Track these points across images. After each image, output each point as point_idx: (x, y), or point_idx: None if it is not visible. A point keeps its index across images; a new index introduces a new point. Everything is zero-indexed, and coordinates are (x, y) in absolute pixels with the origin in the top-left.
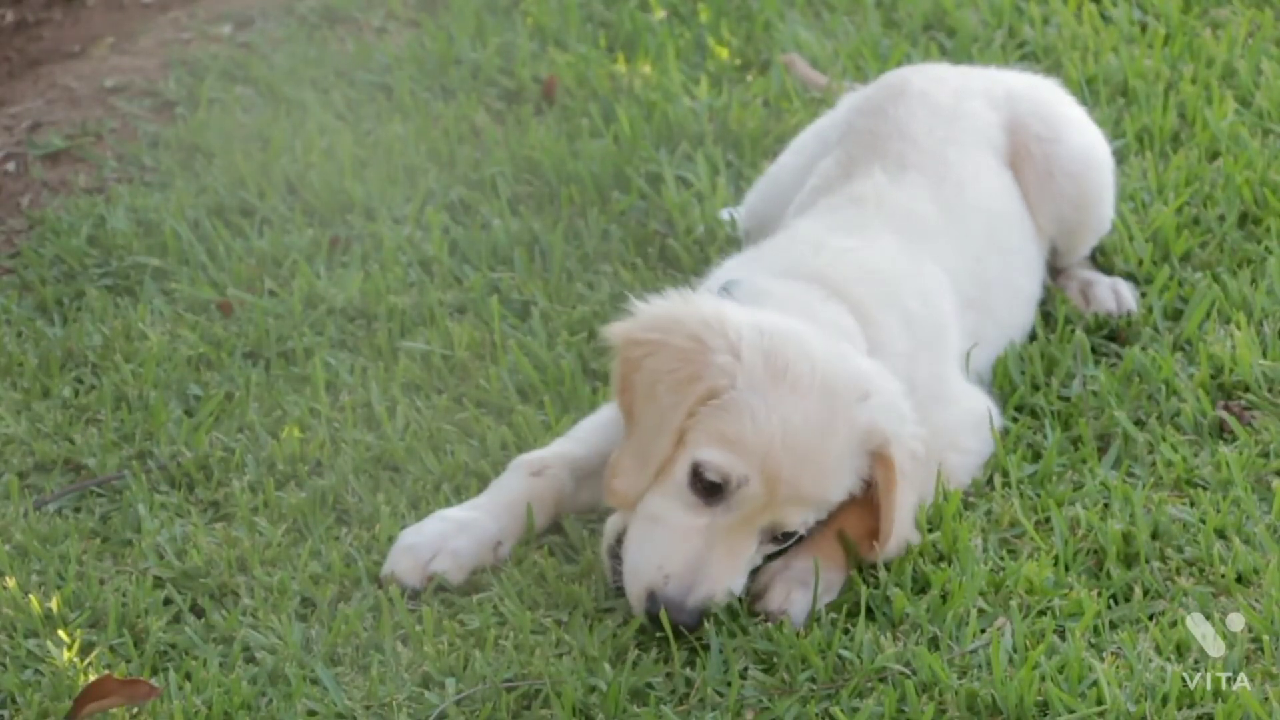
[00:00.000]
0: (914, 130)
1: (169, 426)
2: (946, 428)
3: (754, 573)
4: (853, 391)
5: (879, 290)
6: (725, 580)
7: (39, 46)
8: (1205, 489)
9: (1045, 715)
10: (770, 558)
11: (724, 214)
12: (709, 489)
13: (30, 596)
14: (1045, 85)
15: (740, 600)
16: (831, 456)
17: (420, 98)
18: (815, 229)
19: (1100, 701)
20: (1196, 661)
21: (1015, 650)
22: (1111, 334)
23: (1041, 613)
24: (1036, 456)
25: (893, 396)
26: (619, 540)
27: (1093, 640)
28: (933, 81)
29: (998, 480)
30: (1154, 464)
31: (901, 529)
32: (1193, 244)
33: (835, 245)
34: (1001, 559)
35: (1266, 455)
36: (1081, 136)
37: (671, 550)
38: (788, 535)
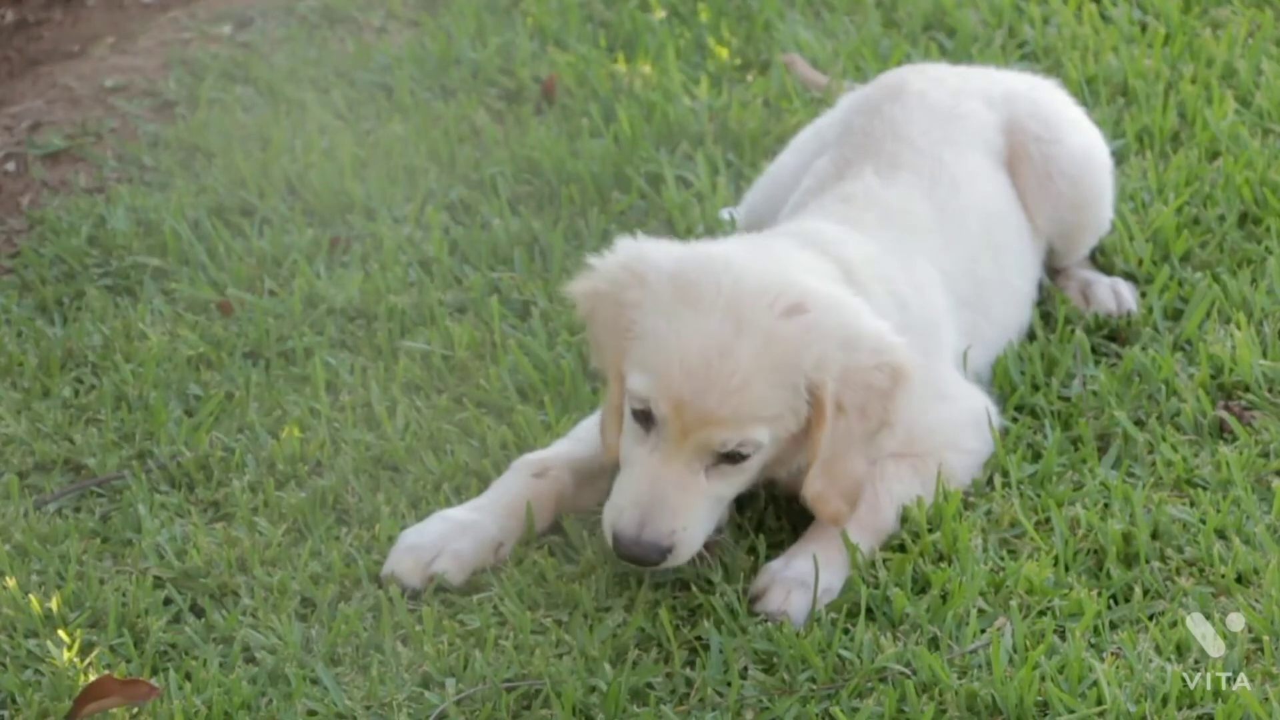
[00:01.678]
0: (909, 130)
1: (169, 426)
2: (944, 426)
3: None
4: (774, 306)
5: (870, 264)
6: (684, 514)
7: (39, 46)
8: (1205, 489)
9: (1045, 715)
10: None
11: (724, 214)
12: (644, 418)
13: (30, 596)
14: (1044, 86)
15: (740, 600)
16: (737, 378)
17: (420, 98)
18: (806, 225)
19: (1100, 701)
20: (1196, 661)
21: (1015, 650)
22: (1111, 334)
23: (1041, 613)
24: (1036, 456)
25: (839, 314)
26: None
27: (1093, 640)
28: (931, 82)
29: (998, 480)
30: (1154, 464)
31: (839, 476)
32: (1193, 244)
33: (827, 228)
34: (1001, 559)
35: (1266, 455)
36: (1080, 137)
37: (625, 487)
38: (734, 457)
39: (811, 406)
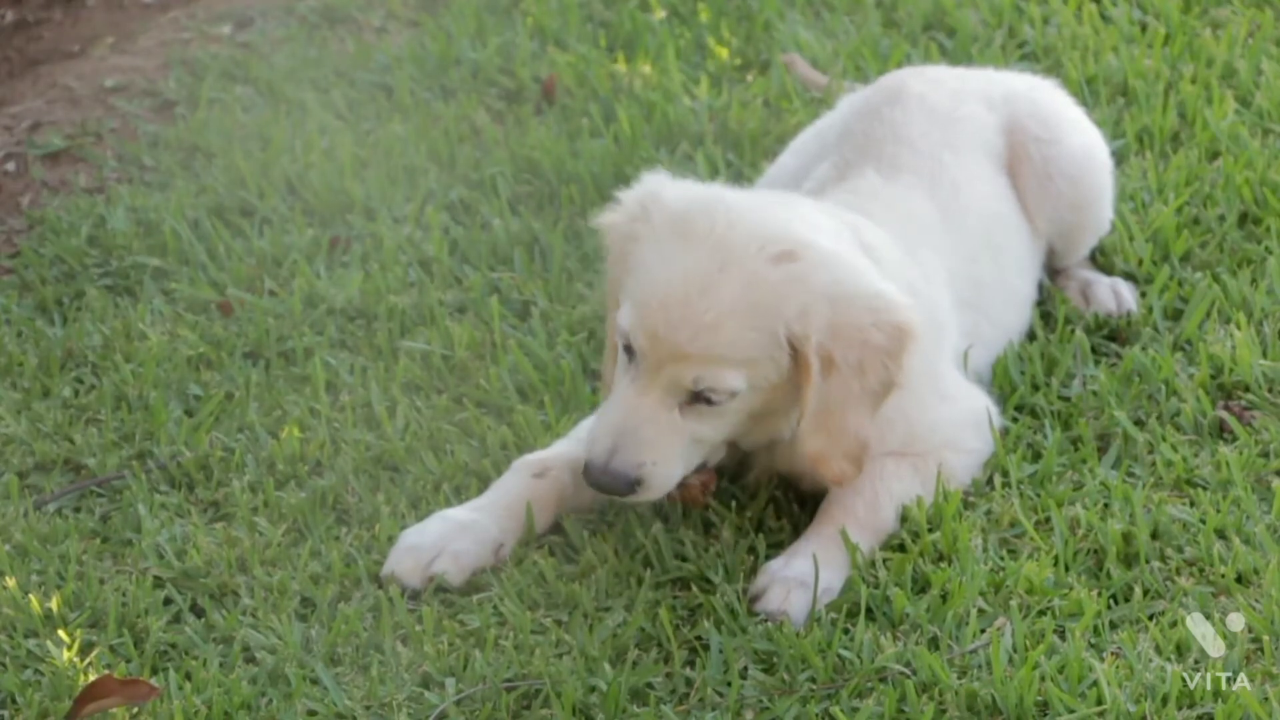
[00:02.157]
0: (910, 133)
1: (169, 426)
2: (944, 425)
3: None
4: (764, 250)
5: (886, 248)
6: (656, 449)
7: (39, 46)
8: (1205, 489)
9: (1045, 715)
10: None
11: None
12: (629, 351)
13: (30, 596)
14: (1044, 86)
15: (740, 600)
16: (709, 315)
17: (420, 98)
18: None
19: (1100, 701)
20: (1196, 661)
21: (1015, 650)
22: (1111, 334)
23: (1041, 613)
24: (1036, 456)
25: (833, 269)
26: None
27: (1093, 640)
28: (930, 84)
29: (998, 480)
30: (1154, 464)
31: (838, 433)
32: (1193, 244)
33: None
34: (1001, 559)
35: (1266, 455)
36: (1080, 137)
37: (602, 416)
38: (707, 398)
39: (796, 360)
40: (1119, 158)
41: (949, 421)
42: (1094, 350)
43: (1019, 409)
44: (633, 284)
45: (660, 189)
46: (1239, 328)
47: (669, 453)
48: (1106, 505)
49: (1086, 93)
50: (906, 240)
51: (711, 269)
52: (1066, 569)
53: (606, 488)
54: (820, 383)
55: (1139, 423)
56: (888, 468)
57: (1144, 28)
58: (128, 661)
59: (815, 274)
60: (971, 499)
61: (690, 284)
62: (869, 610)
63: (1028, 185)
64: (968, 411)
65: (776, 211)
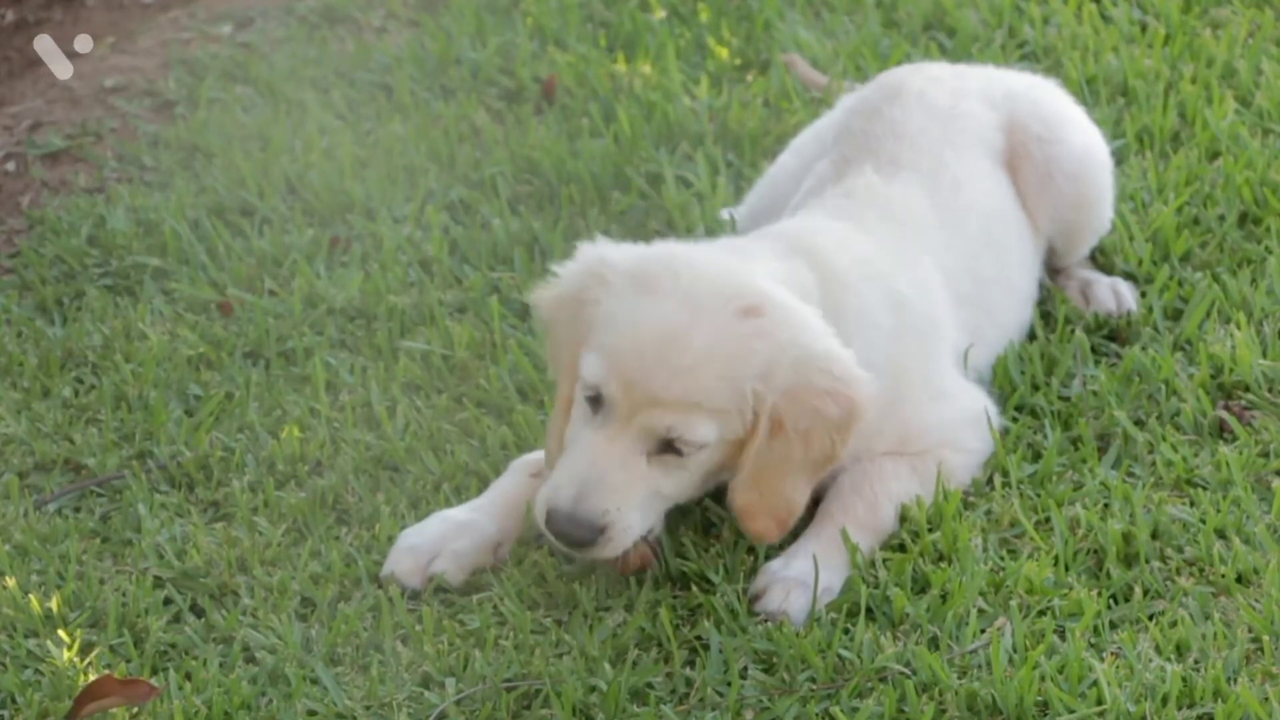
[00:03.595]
0: (909, 131)
1: (169, 426)
2: (942, 425)
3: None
4: (730, 302)
5: (862, 263)
6: (621, 495)
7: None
8: (1205, 489)
9: (1045, 715)
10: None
11: (724, 214)
12: (594, 402)
13: (30, 596)
14: (1044, 85)
15: (740, 600)
16: (686, 360)
17: (420, 98)
18: (797, 224)
19: (1100, 701)
20: (1196, 662)
21: (1015, 650)
22: (1111, 334)
23: (1041, 613)
24: (1036, 456)
25: (795, 329)
26: None
27: (1093, 640)
28: (930, 82)
29: (998, 480)
30: (1154, 464)
31: (770, 494)
32: (1193, 244)
33: (827, 225)
34: (1001, 559)
35: (1266, 455)
36: (1080, 136)
37: (564, 465)
38: (677, 446)
39: (754, 415)
40: (1119, 158)
41: (947, 420)
42: (1094, 350)
43: (1019, 409)
44: (599, 338)
45: (606, 254)
46: (1239, 328)
47: (634, 500)
48: (1106, 505)
49: (1086, 93)
50: (901, 244)
51: (683, 318)
52: (1066, 569)
53: (570, 535)
54: (764, 444)
55: (1139, 423)
56: (886, 468)
57: (1144, 28)
58: (128, 661)
59: (779, 331)
60: (971, 499)
61: (664, 331)
62: (869, 610)
63: (1029, 184)
64: (966, 410)
65: (735, 264)
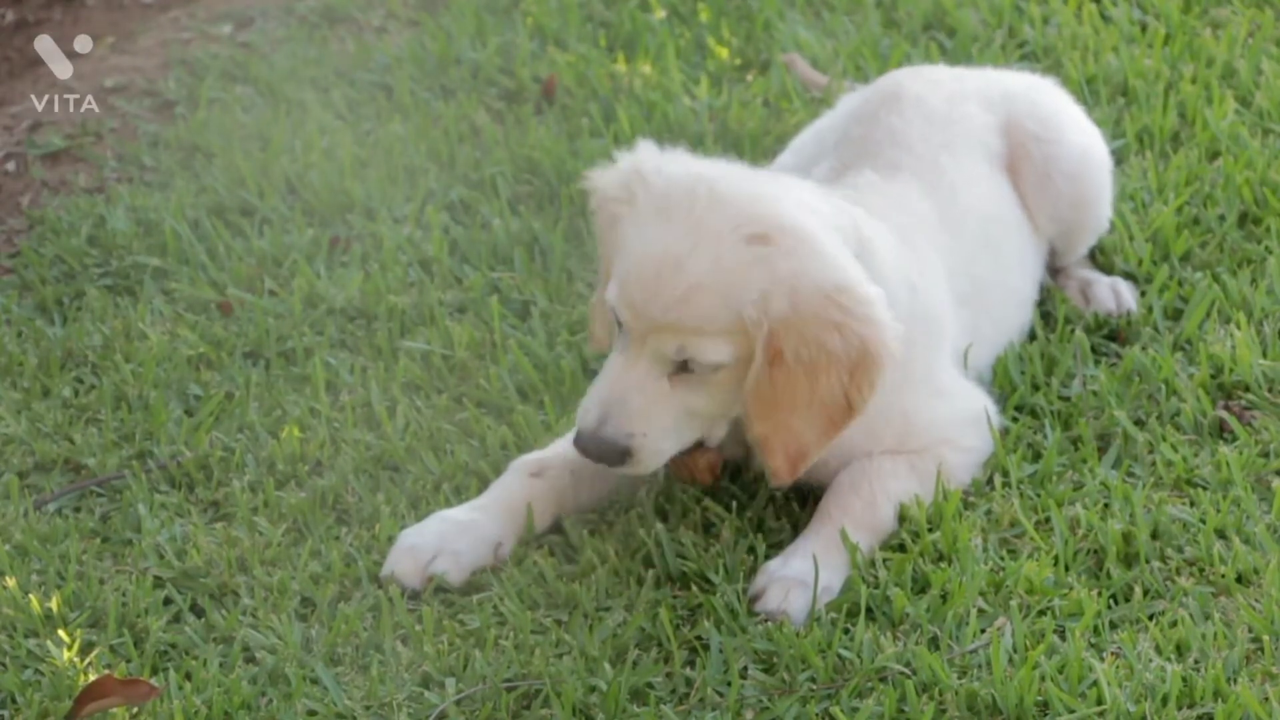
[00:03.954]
0: (908, 136)
1: (169, 426)
2: (941, 422)
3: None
4: (738, 228)
5: (886, 246)
6: (646, 420)
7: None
8: (1205, 489)
9: (1045, 715)
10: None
11: None
12: (617, 324)
13: (30, 596)
14: (1043, 85)
15: (740, 600)
16: (680, 288)
17: (420, 98)
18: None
19: (1100, 701)
20: (1196, 662)
21: (1015, 650)
22: (1111, 334)
23: (1041, 613)
24: (1036, 456)
25: (806, 259)
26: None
27: (1093, 640)
28: (927, 85)
29: (998, 480)
30: (1154, 464)
31: (781, 429)
32: (1193, 244)
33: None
34: (1001, 559)
35: (1266, 455)
36: (1079, 136)
37: (594, 387)
38: (691, 367)
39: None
40: (1119, 158)
41: (946, 419)
42: (1094, 350)
43: (1019, 409)
44: (617, 262)
45: (644, 169)
46: (1239, 328)
47: (659, 424)
48: (1106, 505)
49: (1086, 93)
50: (906, 234)
51: (685, 245)
52: (1066, 569)
53: (597, 456)
54: (764, 372)
55: (1139, 423)
56: (885, 466)
57: (1144, 28)
58: (128, 661)
59: (784, 260)
60: (971, 499)
61: (664, 258)
62: (869, 610)
63: (1028, 184)
64: (965, 409)
65: (764, 191)
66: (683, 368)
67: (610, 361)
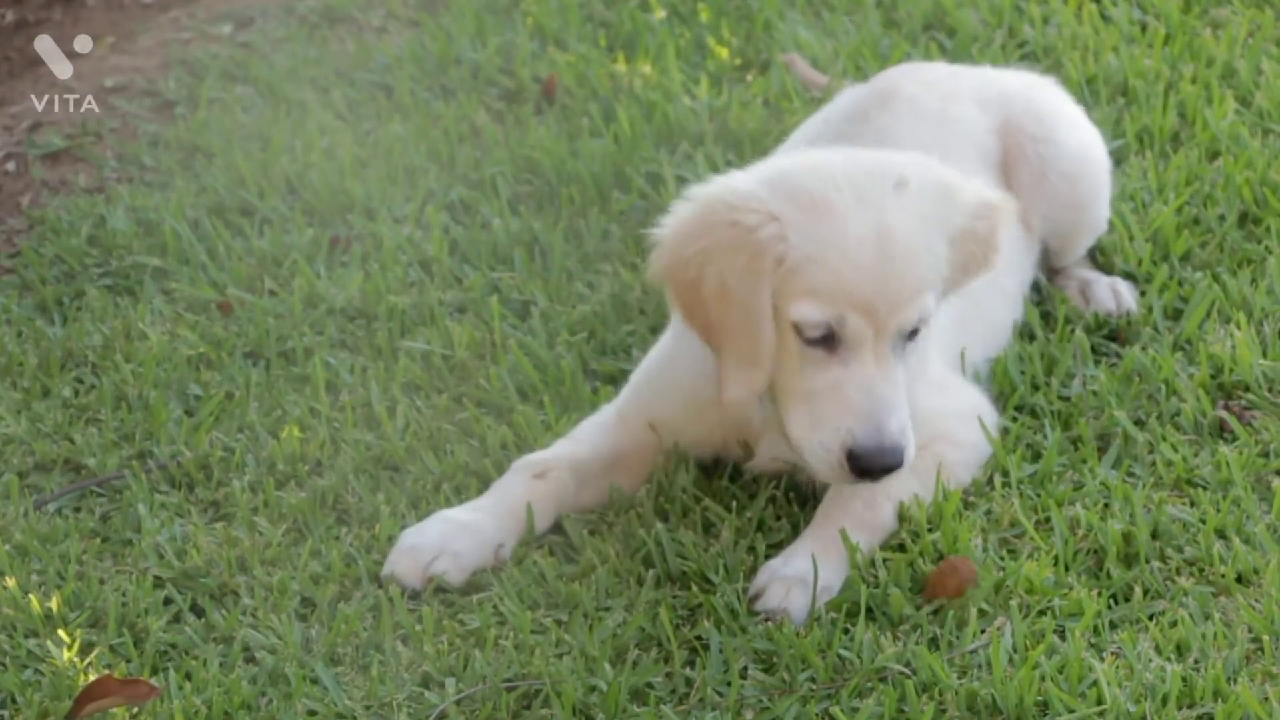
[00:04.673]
0: (897, 135)
1: (169, 426)
2: (938, 417)
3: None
4: (887, 184)
5: None
6: (902, 406)
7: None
8: (1205, 489)
9: (1045, 715)
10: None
11: None
12: (824, 341)
13: (30, 596)
14: (1041, 84)
15: (740, 600)
16: (901, 251)
17: (420, 98)
18: None
19: (1100, 701)
20: (1196, 662)
21: (1015, 650)
22: (1111, 334)
23: (1041, 613)
24: (1036, 456)
25: (935, 175)
26: None
27: (1093, 640)
28: (922, 86)
29: (998, 480)
30: (1154, 464)
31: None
32: (1193, 244)
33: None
34: (1001, 559)
35: (1266, 455)
36: (1077, 136)
37: (838, 408)
38: (914, 332)
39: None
40: (1119, 158)
41: (941, 413)
42: (1094, 350)
43: (1019, 409)
44: (806, 281)
45: (745, 190)
46: (1239, 328)
47: (905, 404)
48: (1106, 505)
49: (1086, 93)
50: None
51: (873, 220)
52: (1066, 569)
53: (887, 467)
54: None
55: (1139, 423)
56: None
57: (1144, 28)
58: (128, 661)
59: (929, 186)
60: (971, 499)
61: (873, 243)
62: (869, 610)
63: (1023, 184)
64: (961, 404)
65: (850, 154)
66: (907, 338)
67: (828, 380)
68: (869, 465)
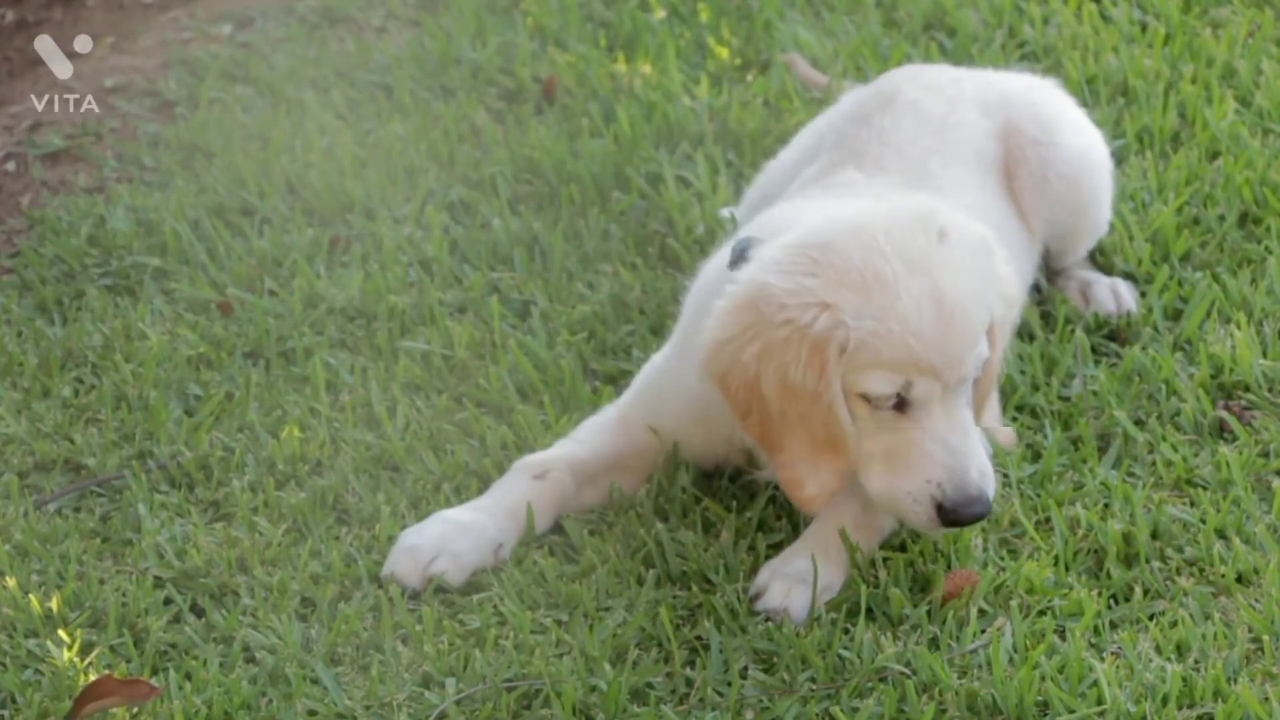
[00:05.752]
0: (898, 139)
1: (169, 426)
2: None
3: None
4: (929, 238)
5: None
6: (980, 451)
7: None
8: (1205, 489)
9: (1045, 715)
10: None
11: (724, 213)
12: (897, 406)
13: (30, 596)
14: (1042, 87)
15: (740, 599)
16: (957, 309)
17: (420, 98)
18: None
19: (1100, 701)
20: (1196, 662)
21: (1015, 650)
22: (1111, 334)
23: (1041, 613)
24: (1036, 456)
25: (967, 226)
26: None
27: (1093, 640)
28: (924, 90)
29: (998, 480)
30: (1154, 464)
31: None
32: (1193, 244)
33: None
34: (1001, 559)
35: (1266, 455)
36: (1078, 138)
37: (921, 464)
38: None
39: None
40: (1119, 158)
41: None
42: (1094, 350)
43: (1019, 409)
44: (870, 356)
45: (780, 288)
46: (1239, 328)
47: (978, 438)
48: (1106, 505)
49: (1086, 93)
50: None
51: (925, 281)
52: (1066, 569)
53: (978, 516)
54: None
55: (1139, 423)
56: None
57: (1144, 28)
58: (128, 661)
59: (969, 236)
60: None
61: (928, 305)
62: (869, 610)
63: (1024, 187)
64: None
65: (876, 209)
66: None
67: (904, 441)
68: (959, 518)
